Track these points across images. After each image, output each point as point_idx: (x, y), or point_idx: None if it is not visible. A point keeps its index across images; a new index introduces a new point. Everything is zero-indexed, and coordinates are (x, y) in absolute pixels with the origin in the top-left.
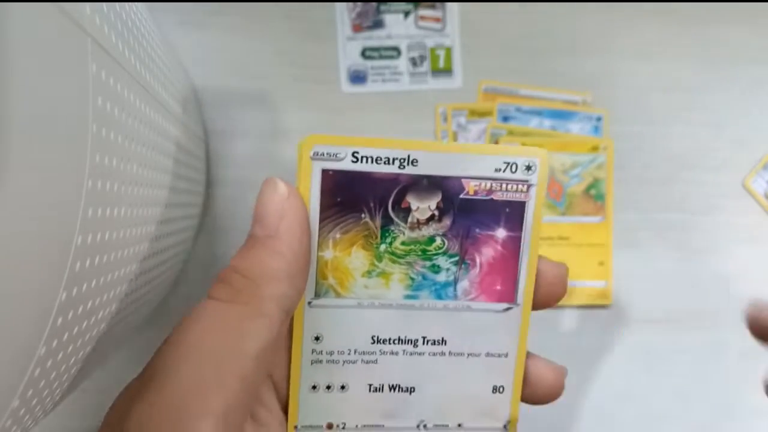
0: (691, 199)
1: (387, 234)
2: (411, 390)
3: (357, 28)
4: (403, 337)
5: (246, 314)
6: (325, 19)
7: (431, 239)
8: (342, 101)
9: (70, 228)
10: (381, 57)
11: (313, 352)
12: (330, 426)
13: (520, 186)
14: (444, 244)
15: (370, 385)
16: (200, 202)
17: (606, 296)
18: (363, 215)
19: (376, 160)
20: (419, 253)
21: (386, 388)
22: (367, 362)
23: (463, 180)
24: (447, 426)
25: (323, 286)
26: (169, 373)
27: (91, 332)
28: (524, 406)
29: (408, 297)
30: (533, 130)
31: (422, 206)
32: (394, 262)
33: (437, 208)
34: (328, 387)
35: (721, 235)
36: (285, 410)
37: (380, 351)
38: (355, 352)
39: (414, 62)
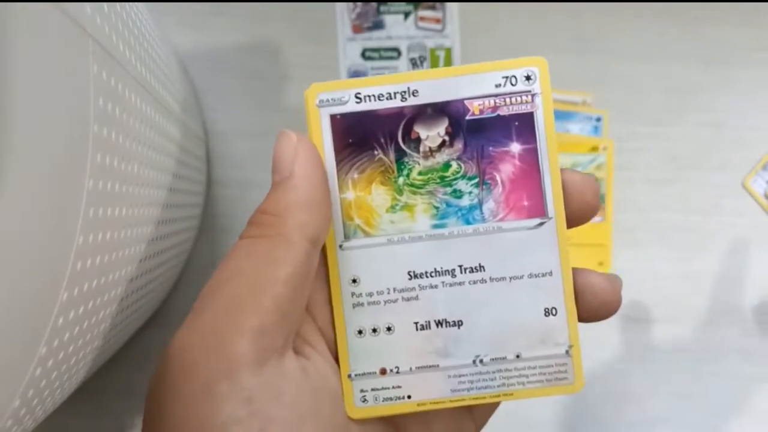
0: (691, 199)
1: (403, 166)
2: (459, 324)
3: (357, 29)
4: (439, 269)
5: (274, 244)
6: (325, 20)
7: (447, 165)
8: None
9: (71, 228)
10: (381, 58)
11: (353, 296)
12: (384, 371)
13: (524, 97)
14: (461, 167)
15: (416, 323)
16: (201, 202)
17: None
18: (376, 152)
19: (379, 97)
20: (438, 180)
21: (433, 324)
22: (408, 299)
23: (465, 102)
24: (505, 358)
25: (351, 228)
26: (207, 301)
27: (92, 332)
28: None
29: (436, 226)
30: None
31: (431, 134)
32: (414, 193)
33: (446, 133)
34: (374, 330)
35: (721, 235)
36: (334, 356)
37: (419, 286)
38: (394, 290)
39: (414, 63)
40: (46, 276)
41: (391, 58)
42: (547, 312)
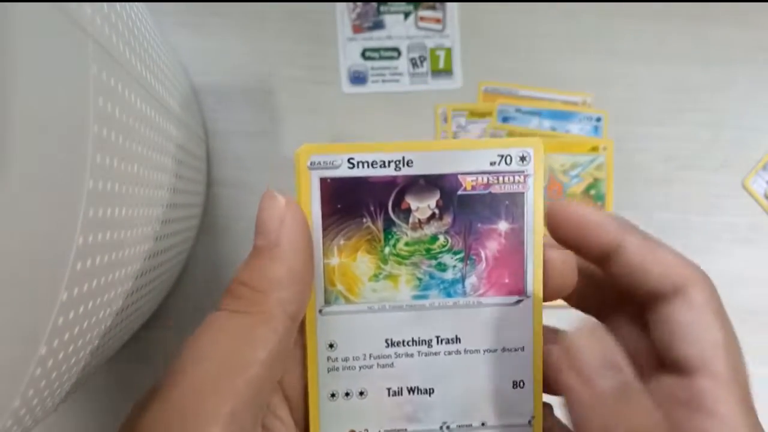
0: (691, 199)
1: (390, 236)
2: (430, 391)
3: (357, 28)
4: (416, 338)
5: (253, 322)
6: (325, 20)
7: (434, 238)
8: (342, 102)
9: (71, 228)
10: (381, 58)
11: (328, 360)
12: None
13: (516, 177)
14: (447, 241)
15: (389, 389)
16: (201, 202)
17: None
18: (365, 220)
19: (372, 164)
20: (424, 252)
21: (405, 391)
22: (384, 366)
23: (459, 176)
24: (471, 426)
25: (332, 294)
26: (178, 378)
27: (92, 332)
28: None
29: (417, 297)
30: (533, 131)
31: (422, 206)
32: (399, 263)
33: (437, 206)
34: (347, 394)
35: (721, 235)
36: (297, 422)
37: (395, 354)
38: (370, 356)
39: (414, 63)
40: (46, 276)
41: (391, 58)
42: (515, 384)
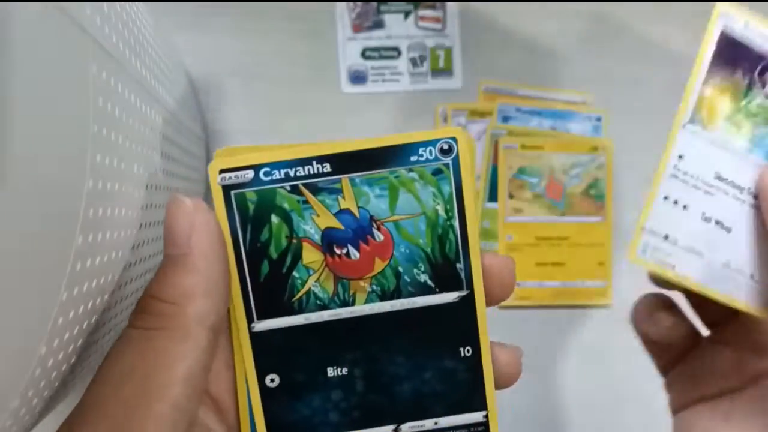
0: None
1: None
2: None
3: (357, 28)
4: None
5: (170, 340)
6: (325, 19)
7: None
8: (342, 101)
9: (71, 228)
10: (381, 57)
11: (677, 172)
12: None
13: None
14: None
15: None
16: None
17: (606, 296)
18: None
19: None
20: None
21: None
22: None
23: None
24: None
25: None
26: (97, 411)
27: (92, 332)
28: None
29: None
30: (533, 131)
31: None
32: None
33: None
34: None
35: None
36: (231, 427)
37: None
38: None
39: (414, 62)
40: (45, 276)
41: (391, 57)
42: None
